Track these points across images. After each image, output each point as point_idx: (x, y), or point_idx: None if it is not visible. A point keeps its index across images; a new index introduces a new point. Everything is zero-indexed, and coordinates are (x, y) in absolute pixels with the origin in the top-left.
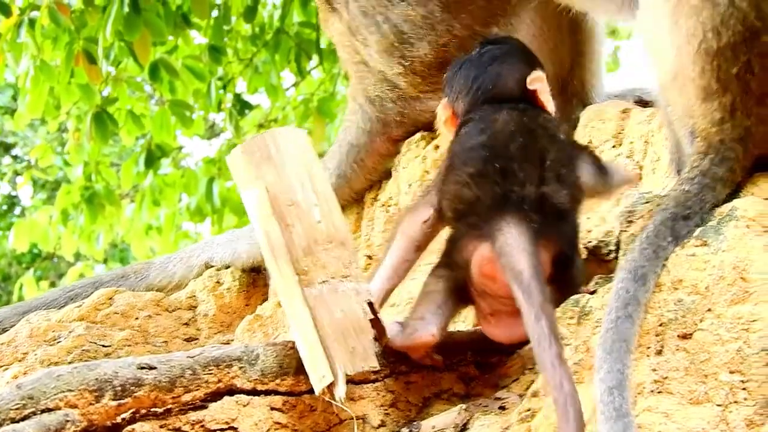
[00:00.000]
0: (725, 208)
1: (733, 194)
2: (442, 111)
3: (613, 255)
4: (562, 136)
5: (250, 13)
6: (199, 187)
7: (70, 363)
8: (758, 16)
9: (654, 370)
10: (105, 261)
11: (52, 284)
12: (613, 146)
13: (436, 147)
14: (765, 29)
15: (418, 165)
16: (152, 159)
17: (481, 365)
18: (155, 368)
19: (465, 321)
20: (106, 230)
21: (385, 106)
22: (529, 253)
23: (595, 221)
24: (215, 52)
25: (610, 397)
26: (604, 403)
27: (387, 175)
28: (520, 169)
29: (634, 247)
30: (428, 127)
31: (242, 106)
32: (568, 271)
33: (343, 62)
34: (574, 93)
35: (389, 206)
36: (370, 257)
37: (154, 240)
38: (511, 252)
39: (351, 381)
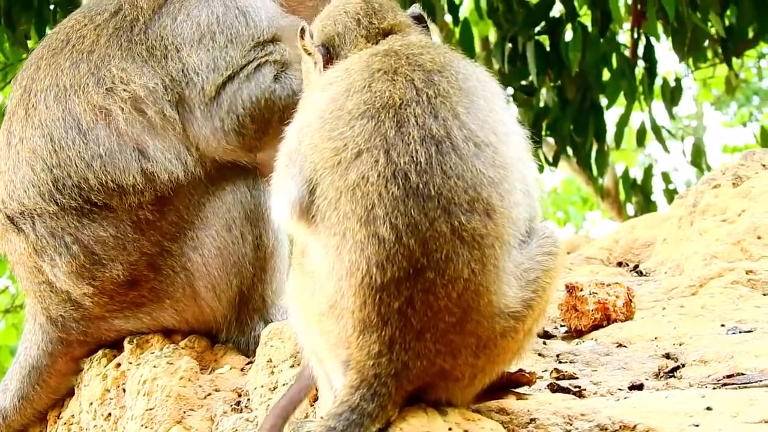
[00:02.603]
0: None
1: (384, 430)
2: None
3: None
4: None
5: None
6: None
7: None
8: (424, 253)
9: None
10: None
11: None
12: (292, 366)
13: (117, 365)
14: (430, 266)
15: (100, 383)
16: None
17: None
18: None
19: None
20: None
21: (67, 326)
22: None
23: None
24: None
25: None
26: None
27: (70, 392)
28: None
29: None
30: (111, 345)
31: None
32: None
33: (19, 280)
34: (256, 309)
35: (71, 425)
36: None
37: None
38: None
39: None
